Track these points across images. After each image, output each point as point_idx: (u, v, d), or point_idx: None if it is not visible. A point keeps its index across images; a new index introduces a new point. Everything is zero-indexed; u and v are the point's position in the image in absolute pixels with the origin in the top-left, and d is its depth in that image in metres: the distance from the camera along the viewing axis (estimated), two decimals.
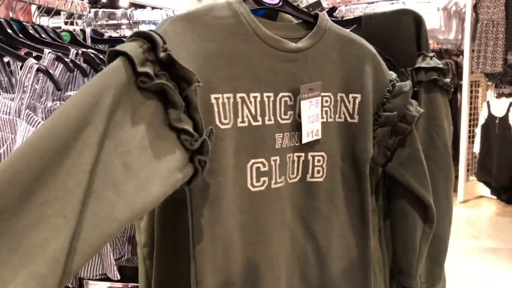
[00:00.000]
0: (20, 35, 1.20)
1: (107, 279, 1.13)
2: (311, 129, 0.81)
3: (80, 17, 1.78)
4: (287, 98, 0.79)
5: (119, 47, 0.59)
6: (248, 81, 0.74)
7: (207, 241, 0.70)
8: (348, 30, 0.91)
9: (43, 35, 1.30)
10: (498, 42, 3.85)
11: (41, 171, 0.48)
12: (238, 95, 0.73)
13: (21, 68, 1.09)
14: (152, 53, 0.60)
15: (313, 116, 0.80)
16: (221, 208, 0.71)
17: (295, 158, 0.82)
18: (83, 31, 1.49)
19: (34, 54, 1.17)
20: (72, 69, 1.09)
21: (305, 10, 0.87)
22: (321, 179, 0.84)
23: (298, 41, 0.81)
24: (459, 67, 4.55)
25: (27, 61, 1.02)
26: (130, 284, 1.57)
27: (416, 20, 1.08)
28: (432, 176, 0.97)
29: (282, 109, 0.78)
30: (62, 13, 2.54)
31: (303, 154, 0.82)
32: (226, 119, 0.72)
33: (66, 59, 1.09)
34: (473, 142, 4.37)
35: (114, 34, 2.67)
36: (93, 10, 2.67)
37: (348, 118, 0.85)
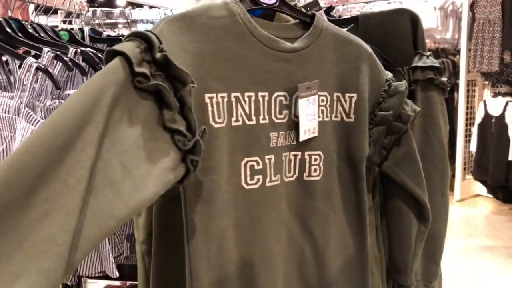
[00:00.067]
0: (19, 34, 1.20)
1: (105, 277, 1.14)
2: (308, 127, 0.81)
3: (78, 16, 1.78)
4: (282, 98, 0.79)
5: (117, 46, 0.60)
6: (243, 80, 0.75)
7: (200, 238, 0.71)
8: (345, 29, 0.92)
9: (41, 34, 1.30)
10: (495, 41, 3.86)
11: (45, 167, 0.49)
12: (233, 94, 0.74)
13: (19, 66, 1.10)
14: (148, 54, 0.61)
15: (310, 114, 0.81)
16: (214, 205, 0.72)
17: (292, 157, 0.82)
18: (81, 30, 1.49)
19: (33, 52, 1.17)
20: (71, 68, 1.10)
21: (302, 9, 0.88)
22: (318, 178, 0.85)
23: (294, 41, 0.81)
24: (455, 66, 4.57)
25: (26, 59, 1.02)
26: (128, 282, 1.58)
27: (413, 20, 1.09)
28: (428, 174, 0.98)
29: (277, 108, 0.79)
30: (59, 12, 2.55)
31: (299, 153, 0.83)
32: (220, 118, 0.72)
33: (65, 58, 1.10)
34: (469, 141, 4.39)
35: (111, 33, 2.67)
36: (91, 9, 2.67)
37: (345, 117, 0.86)
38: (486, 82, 4.42)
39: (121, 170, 0.56)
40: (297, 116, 0.80)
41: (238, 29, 0.74)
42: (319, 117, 0.83)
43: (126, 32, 2.99)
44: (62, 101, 1.04)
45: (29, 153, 0.48)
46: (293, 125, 0.81)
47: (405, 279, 0.98)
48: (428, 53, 1.06)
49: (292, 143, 0.82)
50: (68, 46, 1.18)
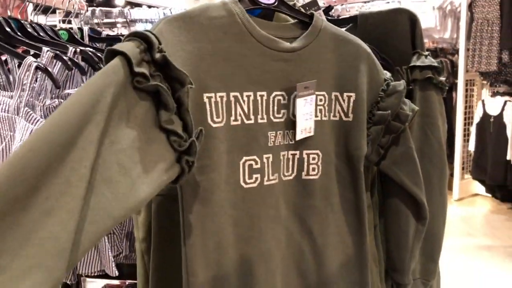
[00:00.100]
0: (18, 33, 1.21)
1: (104, 276, 1.14)
2: (304, 127, 0.82)
3: (77, 15, 1.78)
4: (281, 97, 0.80)
5: (117, 46, 0.60)
6: (242, 80, 0.75)
7: (197, 236, 0.72)
8: (344, 29, 0.92)
9: (41, 34, 1.30)
10: (493, 41, 3.87)
11: (48, 165, 0.49)
12: (232, 94, 0.74)
13: (18, 66, 1.10)
14: (148, 54, 0.62)
15: (307, 113, 0.81)
16: (211, 203, 0.73)
17: (290, 156, 0.83)
18: (80, 29, 1.49)
19: (32, 52, 1.17)
20: (70, 67, 1.10)
21: (301, 9, 0.88)
22: (316, 177, 0.85)
23: (293, 41, 0.82)
24: (454, 66, 4.57)
25: (26, 59, 1.02)
26: (127, 281, 1.58)
27: (411, 19, 1.10)
28: (426, 173, 0.99)
29: (276, 107, 0.79)
30: (57, 11, 2.54)
31: (298, 152, 0.83)
32: (219, 117, 0.73)
33: (65, 57, 1.10)
34: (468, 140, 4.39)
35: (110, 32, 2.67)
36: (90, 8, 2.67)
37: (343, 117, 0.86)
38: (485, 82, 4.42)
39: (118, 169, 0.56)
40: (295, 116, 0.81)
41: (237, 29, 0.75)
42: (317, 116, 0.84)
43: (124, 31, 2.99)
44: (62, 100, 1.04)
45: (33, 151, 0.48)
46: (291, 124, 0.81)
47: (402, 278, 0.98)
48: (426, 53, 1.07)
49: (290, 142, 0.82)
50: (67, 45, 1.19)
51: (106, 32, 2.04)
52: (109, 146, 0.56)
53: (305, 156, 0.84)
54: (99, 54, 1.18)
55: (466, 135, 4.44)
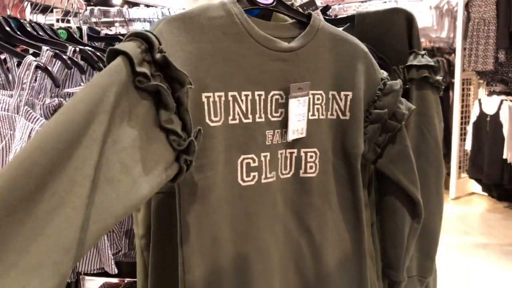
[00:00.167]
0: (18, 33, 1.21)
1: (103, 274, 1.15)
2: (297, 128, 0.82)
3: (76, 15, 1.79)
4: (278, 96, 0.80)
5: (119, 46, 0.61)
6: (241, 80, 0.76)
7: (194, 233, 0.72)
8: (341, 28, 0.93)
9: (40, 33, 1.30)
10: (490, 40, 3.88)
11: (54, 163, 0.49)
12: (230, 93, 0.75)
13: (17, 65, 1.10)
14: (149, 54, 0.62)
15: (299, 114, 0.82)
16: (209, 201, 0.73)
17: (288, 154, 0.83)
18: (79, 28, 1.50)
19: (31, 51, 1.17)
20: (70, 66, 1.10)
21: (299, 9, 0.89)
22: (314, 175, 0.86)
23: (291, 40, 0.82)
24: (451, 65, 4.58)
25: (25, 58, 1.02)
26: (126, 280, 1.58)
27: (408, 19, 1.11)
28: (423, 172, 0.99)
29: (273, 107, 0.80)
30: (55, 10, 2.54)
31: (295, 151, 0.84)
32: (217, 116, 0.74)
33: (64, 56, 1.10)
34: (464, 139, 4.41)
35: (108, 32, 2.68)
36: (88, 8, 2.67)
37: (340, 115, 0.87)
38: (481, 81, 4.44)
39: (120, 168, 0.57)
40: None
41: (235, 30, 0.76)
42: (314, 115, 0.84)
43: (122, 30, 2.99)
44: (61, 99, 1.04)
45: (40, 149, 0.49)
46: None
47: (397, 275, 0.99)
48: (423, 52, 1.07)
49: (288, 141, 0.83)
50: (66, 44, 1.19)
51: (104, 31, 2.04)
52: (111, 145, 0.57)
53: (302, 154, 0.85)
54: (98, 53, 1.19)
55: (463, 134, 4.45)
